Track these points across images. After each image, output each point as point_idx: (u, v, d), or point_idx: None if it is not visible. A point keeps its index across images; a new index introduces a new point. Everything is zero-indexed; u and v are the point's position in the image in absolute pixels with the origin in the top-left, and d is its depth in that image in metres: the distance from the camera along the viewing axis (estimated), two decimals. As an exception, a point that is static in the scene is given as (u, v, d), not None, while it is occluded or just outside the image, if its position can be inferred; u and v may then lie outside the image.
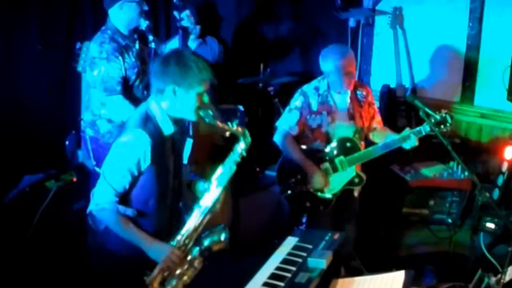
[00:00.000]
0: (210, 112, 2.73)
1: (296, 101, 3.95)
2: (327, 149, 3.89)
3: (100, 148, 3.91)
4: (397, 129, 3.97)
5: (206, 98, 2.73)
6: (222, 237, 2.77)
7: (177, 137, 2.83)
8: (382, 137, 3.93)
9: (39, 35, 4.75)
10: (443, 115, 3.67)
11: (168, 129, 2.74)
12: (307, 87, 3.96)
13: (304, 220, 4.22)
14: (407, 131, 3.75)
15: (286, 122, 3.95)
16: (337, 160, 3.87)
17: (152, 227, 2.76)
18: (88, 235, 3.16)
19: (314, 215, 4.03)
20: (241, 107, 4.93)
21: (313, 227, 4.08)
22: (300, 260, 2.72)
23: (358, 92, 3.97)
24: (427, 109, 3.57)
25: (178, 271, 2.73)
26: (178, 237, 2.75)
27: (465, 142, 4.89)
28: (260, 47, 5.77)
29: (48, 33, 4.79)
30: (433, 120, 3.63)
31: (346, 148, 3.86)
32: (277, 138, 3.99)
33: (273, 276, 2.60)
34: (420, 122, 3.75)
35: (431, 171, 4.56)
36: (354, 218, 4.14)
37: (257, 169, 5.16)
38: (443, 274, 4.09)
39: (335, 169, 3.88)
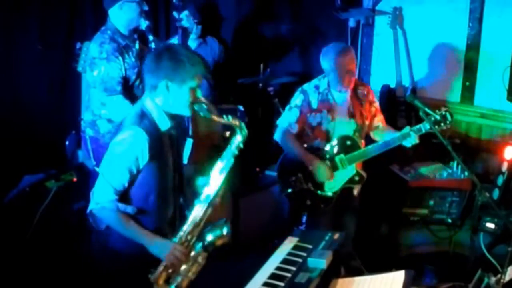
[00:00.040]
0: (204, 106, 2.73)
1: (296, 99, 3.96)
2: (327, 147, 3.90)
3: (100, 148, 3.91)
4: (397, 129, 3.97)
5: (199, 93, 2.73)
6: (225, 231, 2.75)
7: (174, 131, 2.83)
8: (384, 135, 3.93)
9: (39, 35, 4.74)
10: (443, 113, 3.68)
11: (164, 124, 2.74)
12: (307, 86, 3.97)
13: (304, 220, 4.23)
14: (407, 128, 3.76)
15: (286, 120, 3.96)
16: (337, 158, 3.87)
17: (154, 225, 2.76)
18: (90, 235, 3.16)
19: (315, 213, 4.03)
20: (241, 107, 4.93)
21: (313, 225, 4.09)
22: (300, 260, 2.73)
23: (358, 91, 3.97)
24: (427, 109, 3.57)
25: (182, 268, 2.72)
26: (181, 233, 2.74)
27: (465, 142, 4.88)
28: (260, 47, 5.77)
29: (48, 33, 4.78)
30: (432, 119, 3.63)
31: (346, 146, 3.87)
32: (277, 136, 4.00)
33: (273, 276, 2.61)
34: (420, 122, 3.74)
35: (431, 171, 4.57)
36: (355, 216, 4.14)
37: (257, 169, 5.17)
38: (443, 274, 4.09)
39: (335, 167, 3.88)
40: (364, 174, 3.95)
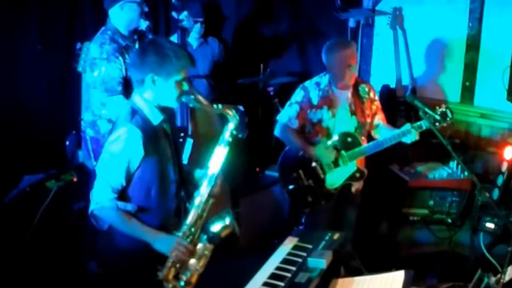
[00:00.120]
0: (192, 97, 2.72)
1: (297, 96, 3.98)
2: (328, 144, 3.90)
3: (100, 149, 3.86)
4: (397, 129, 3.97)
5: (185, 86, 2.72)
6: (227, 220, 2.72)
7: (167, 124, 2.82)
8: (384, 133, 3.94)
9: (39, 35, 4.75)
10: (443, 110, 3.69)
11: (156, 118, 2.74)
12: (308, 83, 3.99)
13: (303, 220, 4.23)
14: (408, 125, 3.77)
15: (286, 115, 3.98)
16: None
17: (157, 221, 2.75)
18: (91, 236, 3.16)
19: (315, 210, 4.04)
20: (241, 107, 4.93)
21: (314, 221, 4.10)
22: (300, 260, 2.73)
23: (359, 88, 3.98)
24: (426, 109, 3.57)
25: (191, 262, 2.69)
26: (184, 227, 2.72)
27: (465, 142, 4.88)
28: (260, 47, 5.77)
29: (48, 33, 4.79)
30: (432, 119, 3.64)
31: (347, 143, 3.88)
32: (277, 131, 4.03)
33: (273, 276, 2.61)
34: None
35: (431, 171, 4.57)
36: (355, 213, 4.15)
37: (257, 169, 5.17)
38: (443, 274, 4.09)
39: (336, 164, 3.89)
40: (365, 170, 3.97)
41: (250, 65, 5.51)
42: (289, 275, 2.61)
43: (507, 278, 2.84)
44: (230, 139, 2.77)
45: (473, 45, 4.91)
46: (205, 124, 4.25)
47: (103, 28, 3.96)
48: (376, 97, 4.09)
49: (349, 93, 3.93)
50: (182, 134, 4.14)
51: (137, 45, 4.02)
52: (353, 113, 3.93)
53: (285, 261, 2.73)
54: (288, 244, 2.89)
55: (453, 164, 4.57)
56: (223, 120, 2.80)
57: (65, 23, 4.90)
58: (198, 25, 5.04)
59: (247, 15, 5.87)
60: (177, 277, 2.69)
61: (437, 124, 3.66)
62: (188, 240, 2.70)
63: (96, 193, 2.71)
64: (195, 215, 2.74)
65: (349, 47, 3.86)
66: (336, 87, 3.91)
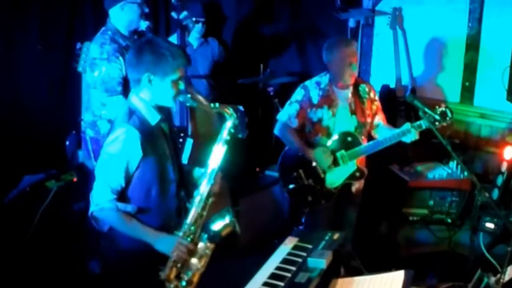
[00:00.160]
0: (189, 96, 2.73)
1: (297, 95, 3.99)
2: (328, 143, 3.91)
3: (100, 149, 3.88)
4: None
5: (182, 85, 2.72)
6: (227, 218, 2.71)
7: (165, 123, 2.82)
8: (384, 133, 3.95)
9: (39, 35, 4.75)
10: (443, 109, 3.70)
11: (153, 118, 2.74)
12: (309, 82, 4.00)
13: (303, 220, 4.24)
14: (408, 125, 3.78)
15: (286, 114, 3.99)
16: (338, 154, 3.90)
17: (158, 221, 2.75)
18: (91, 236, 3.16)
19: (316, 209, 4.04)
20: (241, 107, 4.93)
21: (314, 221, 4.10)
22: (300, 260, 2.73)
23: (360, 88, 3.99)
24: (426, 109, 3.58)
25: (192, 261, 2.69)
26: (185, 226, 2.71)
27: (465, 142, 4.89)
28: (260, 47, 5.78)
29: (48, 33, 4.79)
30: (432, 119, 3.64)
31: (347, 142, 3.89)
32: (277, 130, 4.04)
33: (273, 276, 2.61)
34: (419, 122, 3.75)
35: (430, 171, 4.57)
36: (356, 212, 4.16)
37: (257, 169, 5.17)
38: (442, 274, 4.10)
39: (336, 163, 3.89)
40: (365, 170, 3.98)
41: (250, 65, 5.51)
42: (289, 275, 2.61)
43: (506, 278, 2.84)
44: (228, 138, 2.77)
45: (472, 45, 4.91)
46: (205, 124, 4.25)
47: (103, 28, 3.96)
48: (376, 97, 4.09)
49: (349, 93, 3.94)
50: (182, 134, 4.14)
51: (136, 45, 4.02)
52: (353, 112, 3.93)
53: (285, 261, 2.74)
54: (288, 244, 2.89)
55: (453, 164, 4.58)
56: (223, 119, 2.80)
57: (65, 23, 4.90)
58: (199, 25, 5.04)
59: (247, 15, 5.88)
60: (178, 277, 2.68)
61: (436, 123, 3.67)
62: (189, 239, 2.70)
63: (96, 195, 2.71)
64: (195, 214, 2.73)
65: (350, 45, 3.87)
66: (336, 87, 3.92)
